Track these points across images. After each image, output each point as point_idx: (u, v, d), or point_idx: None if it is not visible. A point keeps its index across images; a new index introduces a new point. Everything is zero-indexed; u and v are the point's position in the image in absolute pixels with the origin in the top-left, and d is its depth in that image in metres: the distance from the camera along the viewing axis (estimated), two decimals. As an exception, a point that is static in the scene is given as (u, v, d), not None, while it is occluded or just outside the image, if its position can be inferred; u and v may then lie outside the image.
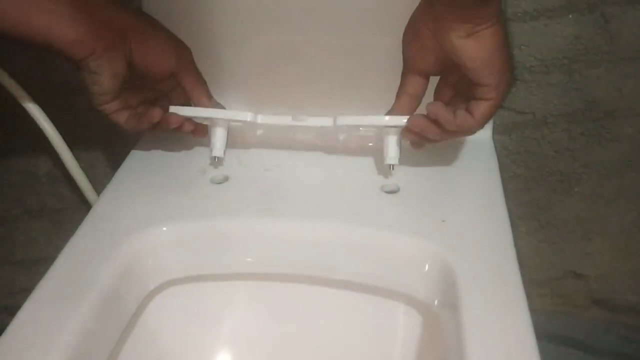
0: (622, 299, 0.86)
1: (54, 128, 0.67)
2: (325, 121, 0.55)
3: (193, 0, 0.59)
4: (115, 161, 0.59)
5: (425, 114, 0.51)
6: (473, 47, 0.46)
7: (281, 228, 0.53)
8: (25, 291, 0.91)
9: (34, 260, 0.89)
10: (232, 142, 0.60)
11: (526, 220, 0.80)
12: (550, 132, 0.72)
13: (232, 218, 0.53)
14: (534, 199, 0.78)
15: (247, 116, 0.55)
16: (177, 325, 0.54)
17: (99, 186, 0.73)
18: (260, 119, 0.56)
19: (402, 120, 0.52)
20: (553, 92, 0.69)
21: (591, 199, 0.77)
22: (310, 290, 0.54)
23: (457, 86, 0.52)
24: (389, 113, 0.53)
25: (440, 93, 0.53)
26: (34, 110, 0.66)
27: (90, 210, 0.53)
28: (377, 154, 0.58)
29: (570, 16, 0.64)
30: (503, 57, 0.47)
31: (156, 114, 0.54)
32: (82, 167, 0.72)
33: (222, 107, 0.59)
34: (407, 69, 0.52)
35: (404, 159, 0.56)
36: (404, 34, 0.51)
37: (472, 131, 0.51)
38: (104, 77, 0.51)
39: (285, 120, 0.56)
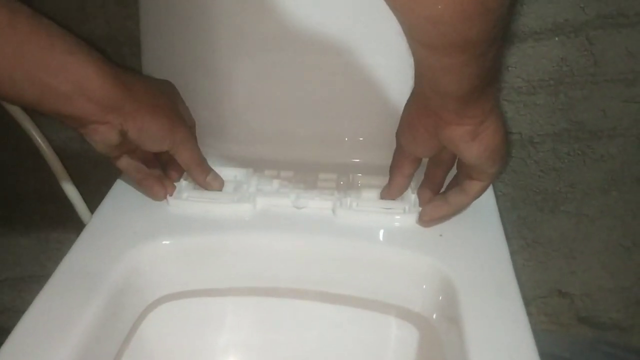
0: (607, 317, 0.86)
1: (47, 143, 0.66)
2: (325, 205, 0.55)
3: (190, 23, 0.59)
4: (108, 177, 0.59)
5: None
6: (477, 149, 0.45)
7: (278, 242, 0.53)
8: (9, 310, 0.89)
9: (20, 279, 0.87)
10: (227, 160, 0.60)
11: (512, 239, 0.81)
12: (536, 152, 0.73)
13: (229, 232, 0.53)
14: (521, 218, 0.79)
15: (246, 209, 0.54)
16: (175, 340, 0.54)
17: (90, 203, 0.71)
18: (260, 203, 0.55)
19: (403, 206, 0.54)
20: (539, 112, 0.70)
21: (576, 217, 0.78)
22: (307, 305, 0.54)
23: (449, 161, 0.53)
24: (385, 191, 0.55)
25: (431, 173, 0.54)
26: (27, 124, 0.65)
27: (87, 225, 0.53)
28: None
29: (557, 39, 0.66)
30: (504, 150, 0.47)
31: (161, 193, 0.55)
32: (74, 183, 0.71)
33: (220, 179, 0.57)
34: (402, 154, 0.52)
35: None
36: (400, 123, 0.51)
37: (466, 208, 0.53)
38: (96, 144, 0.51)
39: (284, 203, 0.55)
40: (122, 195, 0.56)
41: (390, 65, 0.59)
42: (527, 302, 0.85)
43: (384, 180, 0.57)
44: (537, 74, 0.68)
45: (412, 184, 0.56)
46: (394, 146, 0.62)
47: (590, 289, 0.84)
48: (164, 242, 0.51)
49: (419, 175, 0.55)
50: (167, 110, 0.53)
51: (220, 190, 0.56)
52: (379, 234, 0.53)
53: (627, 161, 0.73)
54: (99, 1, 0.66)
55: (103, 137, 0.49)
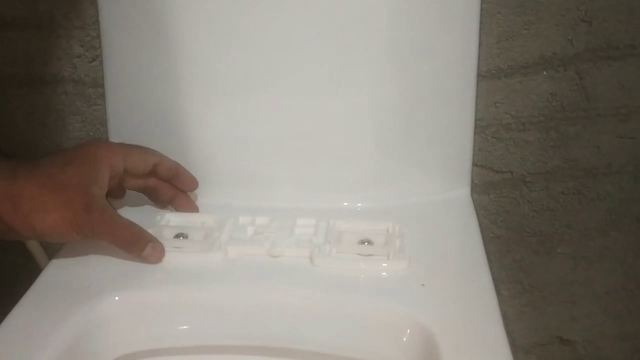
0: (611, 365, 0.82)
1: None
2: (302, 253, 0.52)
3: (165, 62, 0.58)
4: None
5: None
6: None
7: (250, 295, 0.50)
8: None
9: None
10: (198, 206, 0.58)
11: (508, 284, 0.78)
12: (529, 191, 0.71)
13: (197, 285, 0.50)
14: (516, 261, 0.76)
15: (217, 258, 0.52)
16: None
17: (53, 252, 0.69)
18: (232, 251, 0.53)
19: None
20: (530, 150, 0.69)
21: (574, 260, 0.75)
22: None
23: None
24: None
25: None
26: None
27: (37, 278, 0.49)
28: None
29: (545, 73, 0.65)
30: None
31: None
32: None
33: (161, 249, 0.53)
34: None
35: (379, 219, 0.55)
36: None
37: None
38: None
39: (259, 251, 0.53)
40: (78, 246, 0.53)
41: (369, 107, 0.58)
42: (527, 349, 0.83)
43: (366, 225, 0.55)
44: (526, 109, 0.67)
45: (398, 228, 0.53)
46: (377, 188, 0.60)
47: (592, 335, 0.81)
48: (118, 298, 0.48)
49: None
50: (71, 202, 0.48)
51: (160, 262, 0.52)
52: (358, 285, 0.50)
53: (625, 199, 0.71)
54: (63, 43, 0.65)
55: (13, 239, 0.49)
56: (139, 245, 0.51)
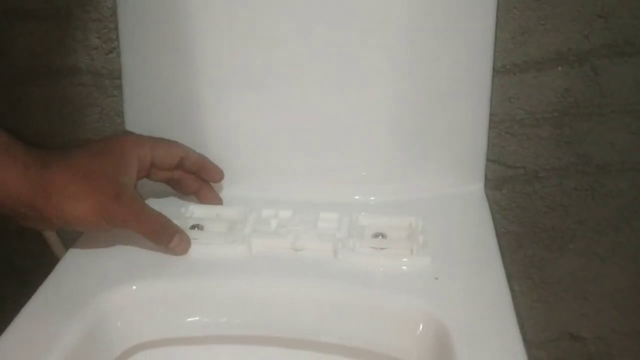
0: (622, 362, 0.82)
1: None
2: (326, 247, 0.52)
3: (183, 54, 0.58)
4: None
5: None
6: None
7: (273, 287, 0.50)
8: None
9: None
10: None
11: (519, 279, 0.78)
12: (542, 187, 0.71)
13: (220, 276, 0.50)
14: (527, 257, 0.76)
15: (241, 251, 0.52)
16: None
17: (70, 243, 0.69)
18: (255, 244, 0.53)
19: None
20: (544, 145, 0.68)
21: (586, 256, 0.75)
22: (292, 355, 0.51)
23: None
24: None
25: None
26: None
27: (55, 267, 0.50)
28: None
29: (560, 68, 0.65)
30: None
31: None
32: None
33: (187, 240, 0.53)
34: None
35: (395, 213, 0.55)
36: None
37: None
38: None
39: (282, 244, 0.53)
40: (95, 236, 0.53)
41: (385, 101, 0.58)
42: (537, 345, 0.82)
43: (388, 219, 0.55)
44: (540, 105, 0.66)
45: (421, 224, 0.53)
46: (390, 182, 0.60)
47: (603, 332, 0.80)
48: (135, 287, 0.48)
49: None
50: (101, 191, 0.48)
51: (186, 253, 0.52)
52: (376, 278, 0.50)
53: (638, 196, 0.71)
54: (80, 34, 0.65)
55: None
56: (166, 236, 0.51)
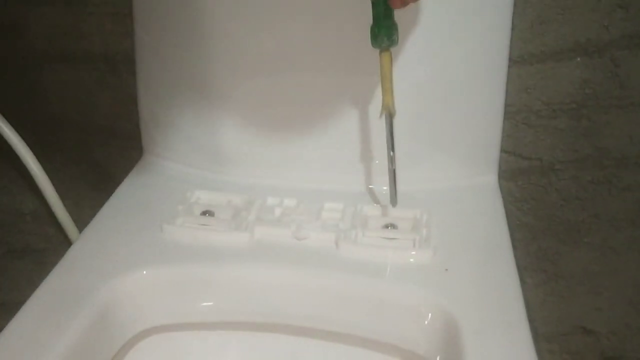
0: (635, 357, 0.82)
1: (39, 165, 0.65)
2: (328, 237, 0.52)
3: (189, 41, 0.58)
4: (101, 200, 0.57)
5: None
6: None
7: (274, 275, 0.50)
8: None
9: (15, 304, 0.85)
10: (221, 185, 0.58)
11: (533, 272, 0.77)
12: (558, 180, 0.70)
13: (223, 263, 0.50)
14: (541, 250, 0.75)
15: (244, 238, 0.52)
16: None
17: (83, 226, 0.70)
18: (258, 232, 0.53)
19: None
20: (561, 137, 0.68)
21: (601, 250, 0.74)
22: (301, 343, 0.51)
23: None
24: None
25: None
26: (19, 147, 0.64)
27: (68, 251, 0.50)
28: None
29: (579, 59, 0.64)
30: None
31: None
32: (66, 206, 0.69)
33: None
34: None
35: (406, 204, 0.53)
36: None
37: None
38: None
39: (285, 233, 0.53)
40: (107, 221, 0.53)
41: (399, 90, 0.55)
42: (549, 339, 0.82)
43: (393, 211, 0.55)
44: (557, 96, 0.65)
45: (418, 214, 0.53)
46: (404, 172, 0.60)
47: (616, 326, 0.80)
48: (146, 272, 0.48)
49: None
50: None
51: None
52: (382, 270, 0.50)
53: None
54: (95, 19, 0.66)
55: None
56: None
